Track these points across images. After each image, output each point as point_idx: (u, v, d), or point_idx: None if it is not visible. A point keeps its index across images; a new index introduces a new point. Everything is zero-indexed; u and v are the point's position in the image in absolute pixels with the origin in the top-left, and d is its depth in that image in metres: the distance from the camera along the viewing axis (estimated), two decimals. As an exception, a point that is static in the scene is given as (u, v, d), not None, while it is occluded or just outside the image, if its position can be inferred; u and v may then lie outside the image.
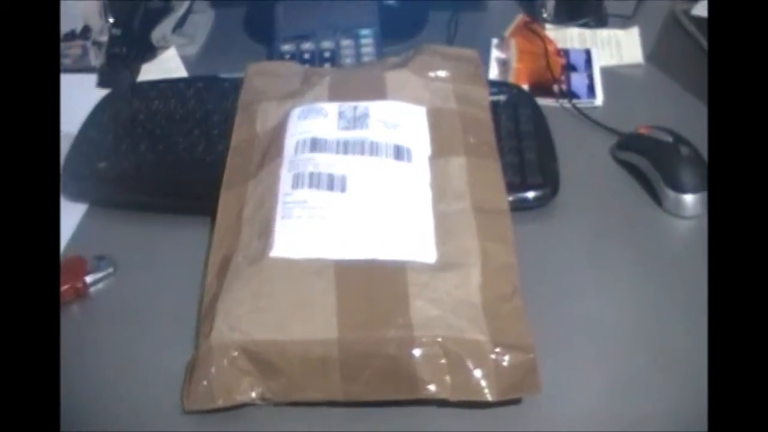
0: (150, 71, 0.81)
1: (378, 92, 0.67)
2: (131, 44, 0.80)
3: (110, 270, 0.63)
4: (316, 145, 0.63)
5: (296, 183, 0.61)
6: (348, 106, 0.66)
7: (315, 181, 0.60)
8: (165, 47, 0.83)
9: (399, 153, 0.63)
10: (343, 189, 0.60)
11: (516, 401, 0.53)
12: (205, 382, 0.53)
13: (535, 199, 0.67)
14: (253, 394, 0.53)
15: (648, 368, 0.56)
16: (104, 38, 0.82)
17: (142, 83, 0.78)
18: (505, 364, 0.53)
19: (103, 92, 0.77)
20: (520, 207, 0.65)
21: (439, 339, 0.53)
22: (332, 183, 0.60)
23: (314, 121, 0.65)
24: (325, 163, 0.62)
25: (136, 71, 0.80)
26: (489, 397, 0.52)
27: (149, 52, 0.82)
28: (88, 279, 0.62)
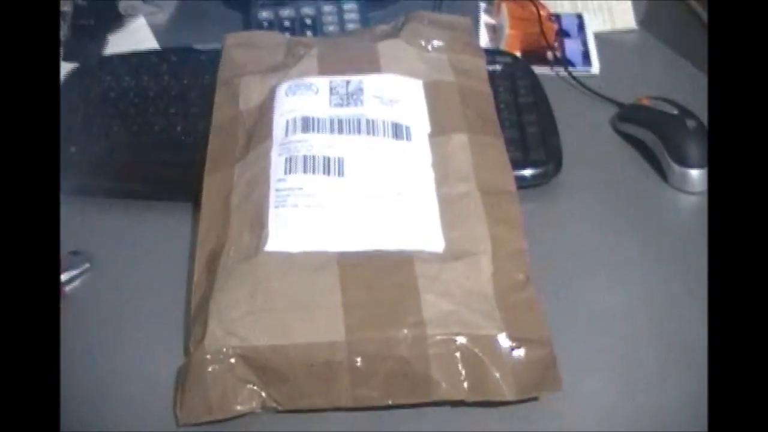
0: (118, 43, 0.76)
1: (371, 65, 0.64)
2: (97, 14, 0.75)
3: (86, 266, 0.59)
4: (308, 124, 0.59)
5: (289, 167, 0.56)
6: (340, 80, 0.62)
7: (310, 164, 0.56)
8: (133, 16, 0.78)
9: (397, 131, 0.59)
10: (340, 173, 0.56)
11: (534, 398, 0.51)
12: (200, 392, 0.49)
13: (538, 176, 0.64)
14: (254, 404, 0.49)
15: (662, 351, 0.54)
16: (68, 8, 0.76)
17: (111, 57, 0.73)
18: (523, 360, 0.50)
19: (70, 66, 0.72)
20: (521, 185, 0.62)
21: (453, 337, 0.50)
22: (328, 166, 0.57)
23: (304, 97, 0.61)
24: (320, 144, 0.58)
25: (104, 43, 0.75)
26: (508, 397, 0.50)
27: (116, 22, 0.77)
28: (63, 277, 0.57)
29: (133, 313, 0.56)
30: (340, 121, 0.59)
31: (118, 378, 0.53)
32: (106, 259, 0.60)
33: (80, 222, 0.62)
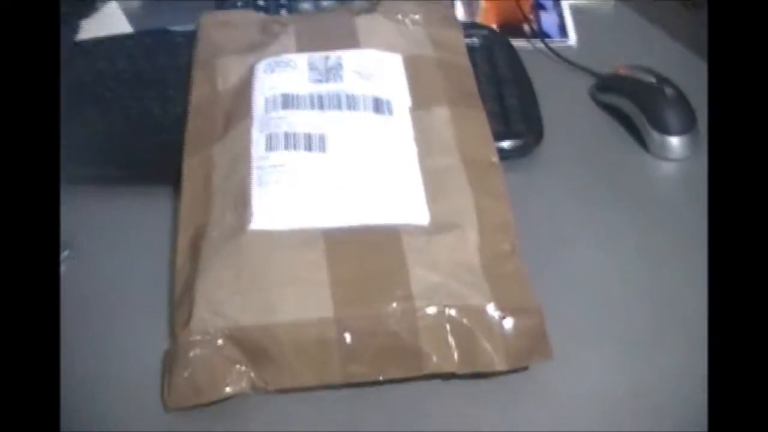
0: (90, 29, 0.74)
1: (349, 40, 0.63)
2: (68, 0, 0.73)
3: (65, 254, 0.57)
4: (288, 101, 0.58)
5: (270, 145, 0.56)
6: (318, 56, 0.61)
7: (291, 141, 0.56)
8: (105, 1, 0.76)
9: (378, 106, 0.59)
10: (322, 149, 0.56)
11: (524, 368, 0.51)
12: (186, 375, 0.48)
13: (519, 147, 0.64)
14: (244, 385, 0.48)
15: (652, 319, 0.54)
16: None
17: (84, 42, 0.71)
18: (512, 330, 0.50)
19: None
20: (503, 156, 0.61)
21: (443, 309, 0.50)
22: (310, 143, 0.56)
23: (283, 74, 0.60)
24: (301, 121, 0.57)
25: (75, 29, 0.73)
26: (498, 367, 0.49)
27: (89, 7, 0.75)
28: (41, 266, 0.56)
29: (115, 302, 0.55)
30: (320, 97, 0.59)
31: (102, 366, 0.52)
32: (86, 247, 0.58)
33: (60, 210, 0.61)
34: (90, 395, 0.50)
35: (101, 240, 0.59)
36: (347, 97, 0.59)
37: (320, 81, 0.60)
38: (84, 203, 0.61)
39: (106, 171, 0.62)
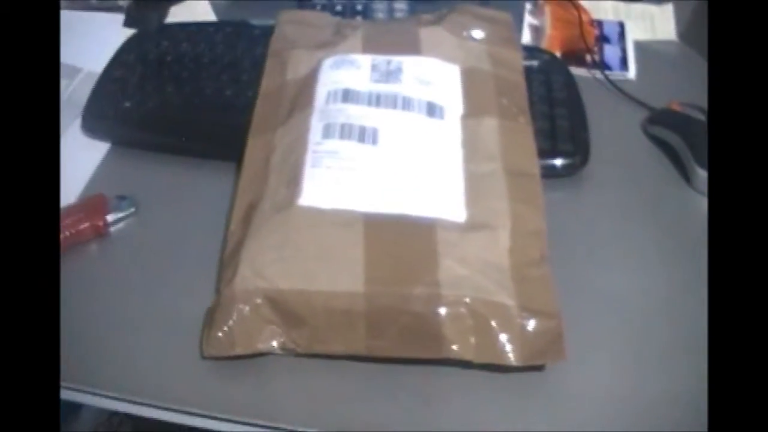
0: (178, 14, 0.79)
1: (412, 48, 0.66)
2: (161, -15, 0.78)
3: (132, 210, 0.62)
4: (348, 96, 0.62)
5: (327, 133, 0.59)
6: (381, 59, 0.65)
7: (347, 132, 0.59)
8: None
9: (431, 110, 0.62)
10: (374, 142, 0.59)
11: (539, 367, 0.53)
12: (225, 328, 0.52)
13: (565, 167, 0.65)
14: (275, 343, 0.52)
15: (669, 340, 0.55)
16: (133, -22, 0.80)
17: (170, 25, 0.77)
18: (530, 329, 0.52)
19: (130, 32, 0.76)
20: (548, 174, 0.64)
21: (466, 299, 0.52)
22: (363, 135, 0.59)
23: (347, 72, 0.64)
24: (357, 114, 0.60)
25: (164, 13, 0.78)
26: (513, 362, 0.51)
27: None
28: (109, 218, 0.61)
29: (171, 256, 0.59)
30: (378, 96, 0.62)
31: (153, 313, 0.56)
32: (150, 206, 0.63)
33: (129, 170, 0.66)
34: (138, 337, 0.55)
35: (166, 202, 0.63)
36: (403, 98, 0.62)
37: (380, 81, 0.63)
38: (153, 168, 0.66)
39: (177, 141, 0.66)
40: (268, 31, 0.71)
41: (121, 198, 0.62)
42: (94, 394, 0.53)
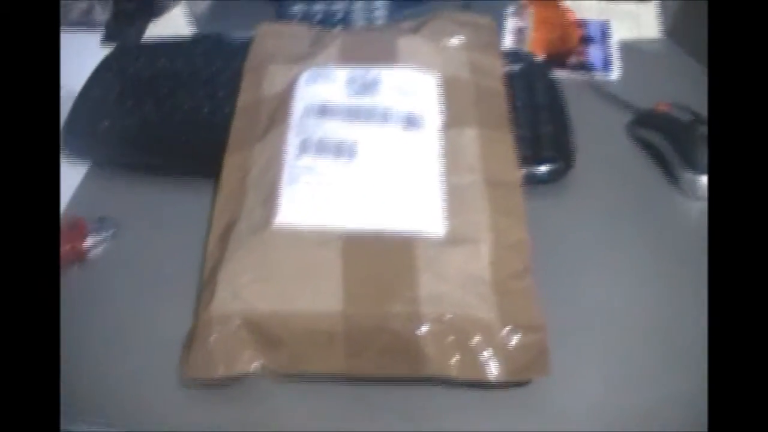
0: (156, 30, 0.79)
1: (389, 58, 0.66)
2: (139, 0, 0.78)
3: (112, 231, 0.62)
4: (325, 110, 0.61)
5: (303, 148, 0.59)
6: (359, 71, 0.64)
7: (323, 147, 0.59)
8: (173, 4, 0.81)
9: (410, 121, 0.61)
10: (351, 156, 0.58)
11: (523, 383, 0.52)
12: (205, 352, 0.51)
13: (549, 173, 0.65)
14: (255, 365, 0.51)
15: (657, 351, 0.54)
16: (111, -7, 0.80)
17: (148, 41, 0.76)
18: (514, 344, 0.51)
19: (108, 50, 0.75)
20: (532, 181, 0.63)
21: (447, 316, 0.51)
22: (341, 150, 0.59)
23: (323, 85, 0.63)
24: (334, 129, 0.60)
25: (143, 29, 0.78)
26: (497, 378, 0.51)
27: (157, 8, 0.80)
28: (89, 241, 0.61)
29: (151, 278, 0.59)
30: (355, 109, 0.61)
31: (133, 336, 0.55)
32: (130, 227, 0.62)
33: (109, 191, 0.65)
34: (118, 361, 0.54)
35: (145, 222, 0.63)
36: (381, 111, 0.61)
37: (358, 94, 0.62)
38: (132, 188, 0.65)
39: (155, 160, 0.66)
40: (246, 45, 0.71)
41: (101, 220, 0.62)
42: (74, 419, 0.52)
